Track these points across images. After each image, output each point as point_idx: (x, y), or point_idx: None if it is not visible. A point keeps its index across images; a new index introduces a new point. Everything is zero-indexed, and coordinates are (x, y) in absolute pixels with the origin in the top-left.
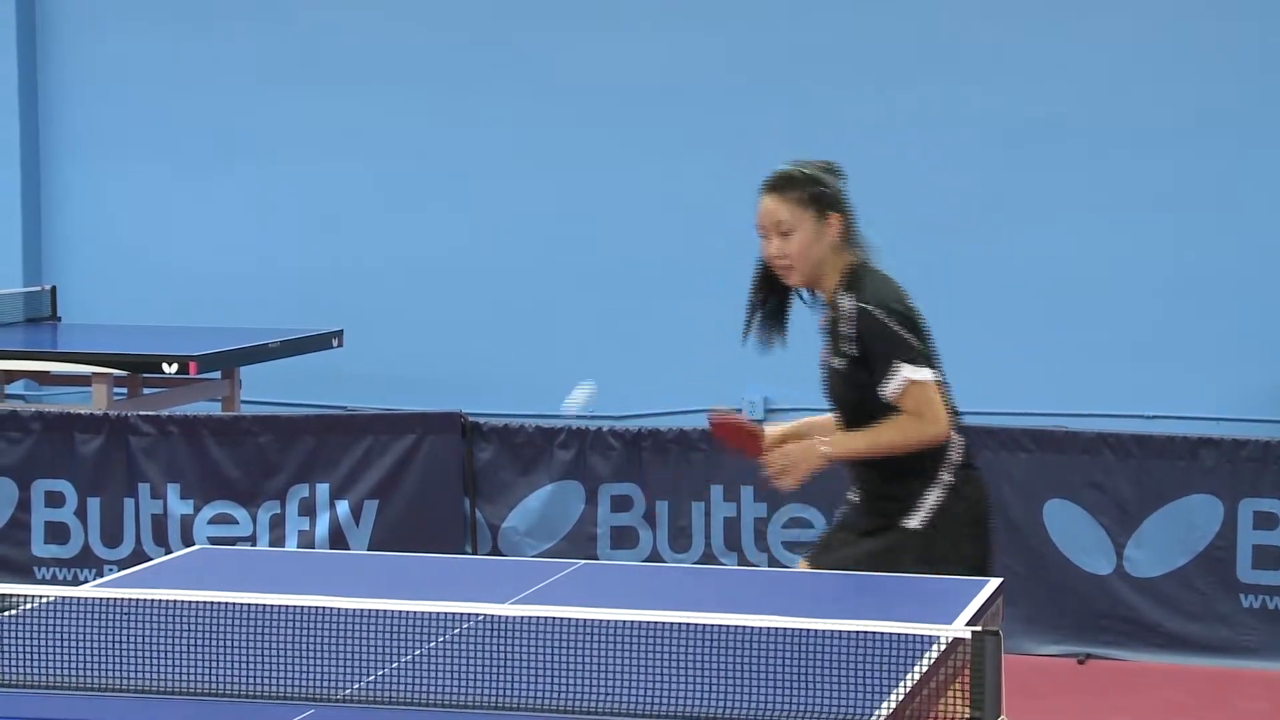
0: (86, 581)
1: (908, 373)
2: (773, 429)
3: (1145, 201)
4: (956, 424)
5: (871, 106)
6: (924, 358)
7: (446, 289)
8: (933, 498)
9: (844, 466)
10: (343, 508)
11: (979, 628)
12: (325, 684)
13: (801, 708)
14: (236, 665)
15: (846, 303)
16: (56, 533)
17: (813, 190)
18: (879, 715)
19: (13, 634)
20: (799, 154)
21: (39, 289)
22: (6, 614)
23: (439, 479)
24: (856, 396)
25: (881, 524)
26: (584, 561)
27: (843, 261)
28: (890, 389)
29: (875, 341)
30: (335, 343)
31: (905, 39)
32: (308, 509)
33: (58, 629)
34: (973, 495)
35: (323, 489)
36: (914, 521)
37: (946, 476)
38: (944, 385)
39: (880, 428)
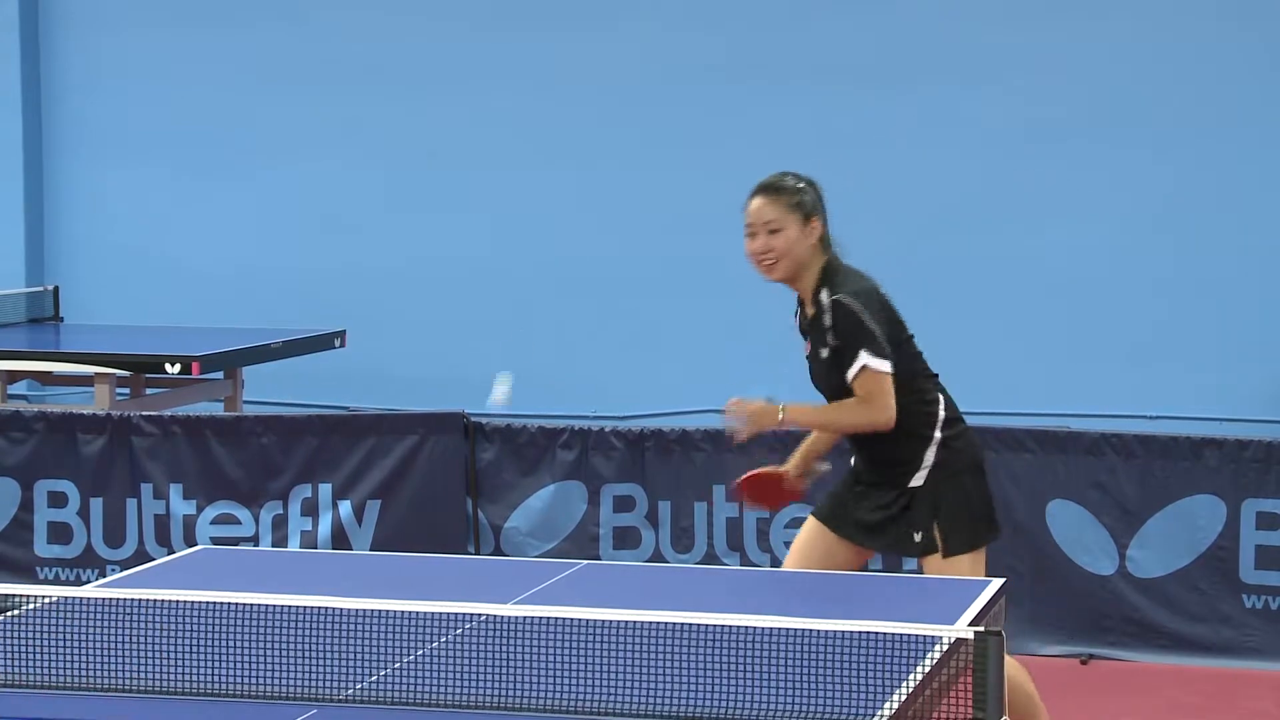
0: (89, 582)
1: (865, 360)
2: (787, 466)
3: (1148, 202)
4: (937, 385)
5: (874, 108)
6: (886, 348)
7: (448, 289)
8: (930, 455)
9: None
10: (345, 508)
11: (982, 628)
12: (328, 684)
13: (804, 708)
14: (239, 666)
15: (825, 297)
16: (59, 533)
17: (800, 196)
18: (882, 716)
19: (16, 634)
20: (804, 154)
21: (42, 289)
22: (9, 614)
23: (441, 479)
24: (841, 383)
25: (889, 487)
26: (586, 562)
27: (819, 262)
28: (850, 373)
29: (845, 329)
30: (338, 343)
31: (907, 42)
32: (310, 509)
33: (60, 629)
34: (964, 446)
35: (325, 489)
36: (918, 480)
37: (938, 434)
38: (920, 357)
39: (830, 407)
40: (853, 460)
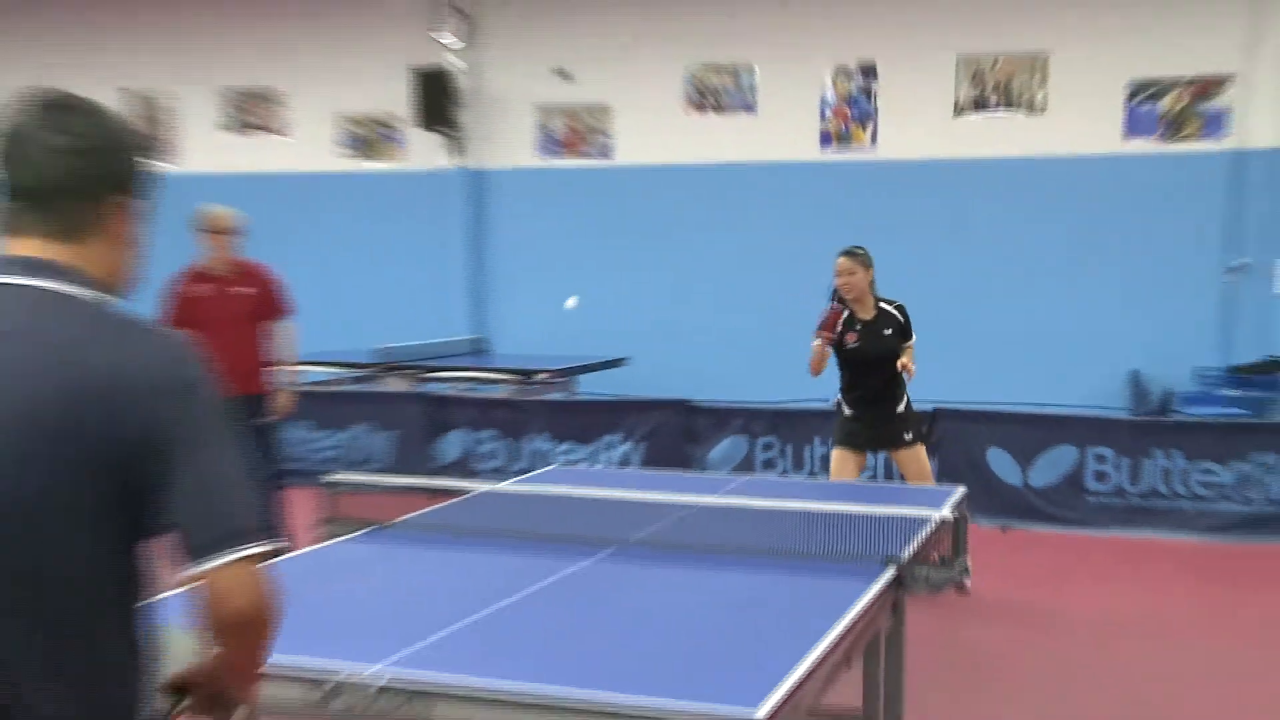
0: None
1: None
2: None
3: (1044, 296)
4: None
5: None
6: None
7: (677, 328)
8: (905, 394)
9: (864, 389)
10: (626, 448)
11: (956, 513)
12: (620, 533)
13: (867, 549)
14: (576, 524)
15: (889, 307)
16: (476, 458)
17: (864, 258)
18: (909, 550)
19: (466, 511)
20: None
21: (478, 338)
22: (464, 497)
23: (674, 433)
24: (893, 349)
25: (884, 417)
26: (749, 476)
27: (874, 292)
28: (913, 339)
29: (907, 319)
30: (624, 363)
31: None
32: (610, 447)
33: (494, 509)
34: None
35: (616, 438)
36: (899, 408)
37: (906, 385)
38: None
39: (910, 354)
40: (846, 411)
